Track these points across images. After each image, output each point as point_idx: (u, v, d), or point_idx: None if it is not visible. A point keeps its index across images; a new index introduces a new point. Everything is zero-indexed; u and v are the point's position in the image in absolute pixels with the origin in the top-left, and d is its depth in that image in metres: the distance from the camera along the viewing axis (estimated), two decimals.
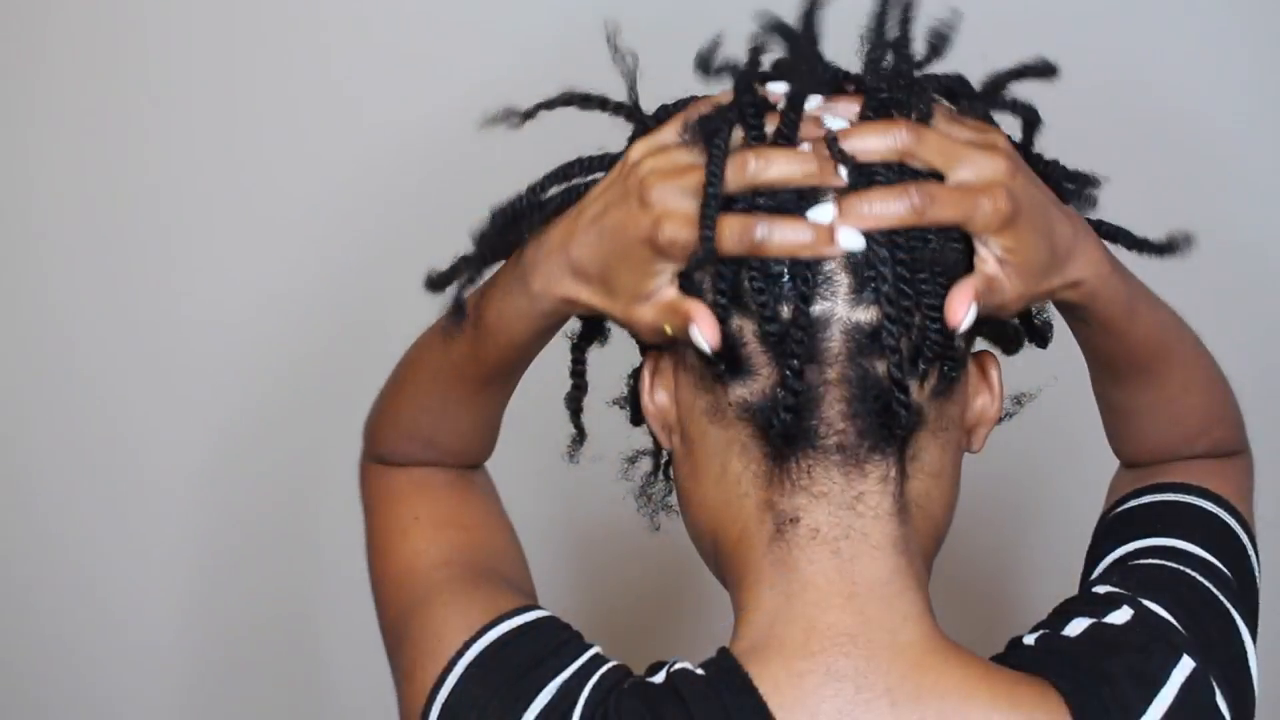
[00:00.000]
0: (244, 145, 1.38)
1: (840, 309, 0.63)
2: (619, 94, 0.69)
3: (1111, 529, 0.81)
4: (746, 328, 0.64)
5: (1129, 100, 1.29)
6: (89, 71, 1.38)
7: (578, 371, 0.78)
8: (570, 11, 1.12)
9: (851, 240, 0.62)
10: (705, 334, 0.63)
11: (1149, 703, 0.65)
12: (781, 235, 0.62)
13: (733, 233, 0.61)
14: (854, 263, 0.62)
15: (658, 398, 0.70)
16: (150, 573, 1.46)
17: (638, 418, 0.74)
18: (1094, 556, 0.80)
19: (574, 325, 0.76)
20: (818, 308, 0.63)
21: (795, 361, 0.62)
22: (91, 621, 1.47)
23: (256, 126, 1.38)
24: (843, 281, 0.63)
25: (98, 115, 1.39)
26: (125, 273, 1.41)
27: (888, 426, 0.64)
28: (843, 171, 0.62)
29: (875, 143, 0.63)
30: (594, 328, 0.77)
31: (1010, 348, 0.75)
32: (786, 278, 0.62)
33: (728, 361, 0.64)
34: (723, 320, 0.63)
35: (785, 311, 0.63)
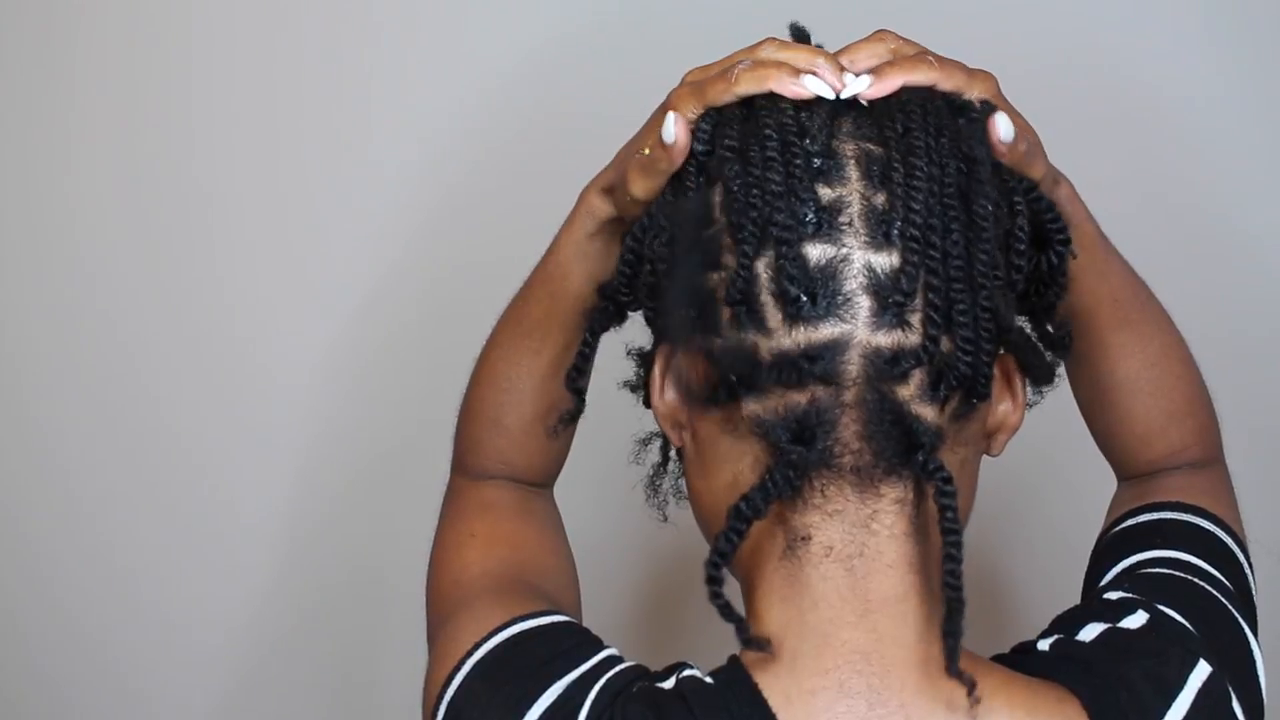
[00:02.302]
0: (314, 166, 1.38)
1: (860, 333, 0.61)
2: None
3: (1111, 547, 0.80)
4: (762, 345, 0.62)
5: (1110, 83, 1.29)
6: (133, 77, 1.37)
7: (584, 354, 0.76)
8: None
9: (819, 86, 0.63)
10: (673, 126, 0.64)
11: (1168, 708, 0.64)
12: (753, 73, 0.64)
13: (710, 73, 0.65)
14: (877, 286, 0.61)
15: (668, 395, 0.68)
16: (209, 588, 1.46)
17: (650, 399, 0.72)
18: (1094, 574, 0.79)
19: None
20: (837, 330, 0.61)
21: (814, 389, 0.61)
22: (144, 635, 1.47)
23: (326, 153, 1.37)
24: (864, 305, 0.61)
25: (177, 140, 1.38)
26: (185, 278, 1.40)
27: (905, 451, 0.62)
28: (849, 77, 0.64)
29: (871, 48, 0.66)
30: (609, 311, 0.75)
31: (1041, 375, 0.71)
32: (804, 299, 0.61)
33: (741, 377, 0.62)
34: (739, 336, 0.62)
35: (801, 332, 0.61)
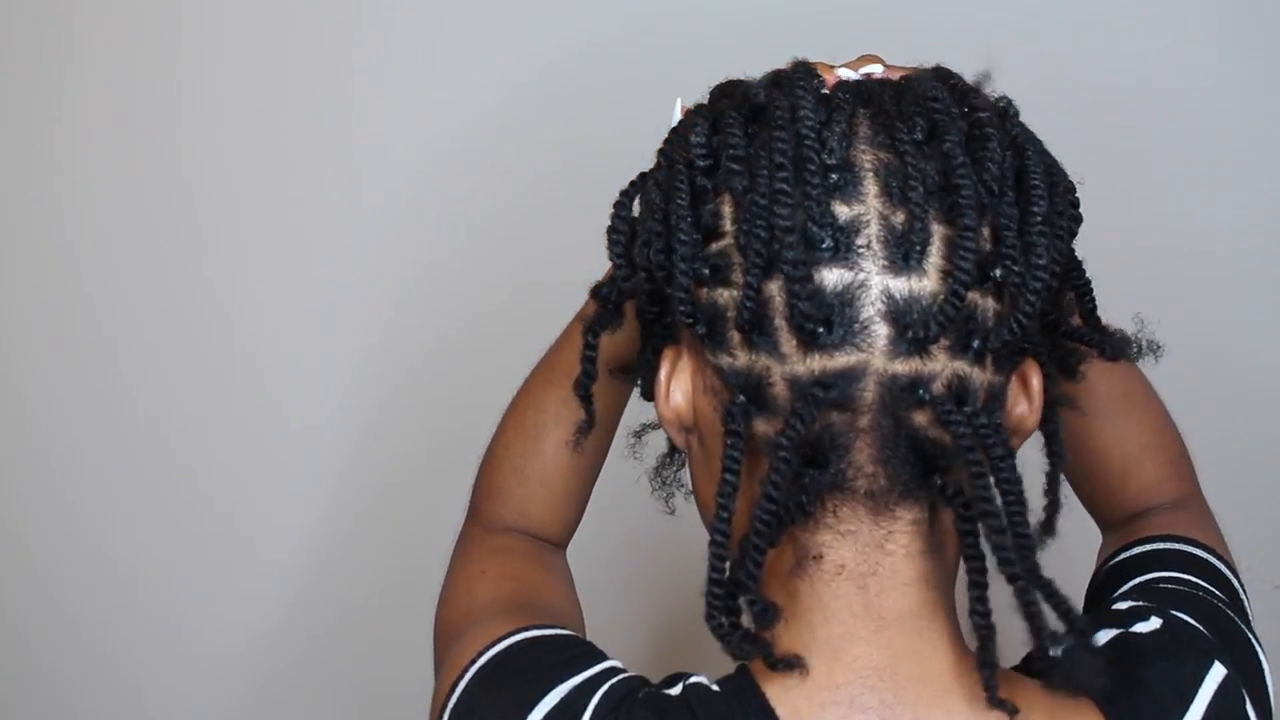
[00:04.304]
0: (311, 190, 1.37)
1: (877, 361, 0.59)
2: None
3: (1110, 578, 0.80)
4: (775, 369, 0.60)
5: (1114, 95, 1.27)
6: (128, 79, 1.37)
7: (588, 357, 0.74)
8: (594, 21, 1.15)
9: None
10: (677, 112, 0.66)
11: (1185, 709, 0.64)
12: None
13: None
14: (895, 313, 0.58)
15: (674, 399, 0.66)
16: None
17: (649, 392, 0.71)
18: (1094, 604, 0.79)
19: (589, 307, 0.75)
20: (853, 358, 0.59)
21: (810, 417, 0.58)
22: (158, 655, 1.46)
23: (328, 168, 1.36)
24: (881, 333, 0.58)
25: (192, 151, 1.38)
26: (195, 290, 1.40)
27: (922, 475, 0.60)
28: (845, 71, 0.64)
29: (866, 61, 0.66)
30: (607, 311, 0.72)
31: (1071, 370, 0.69)
32: (819, 329, 0.58)
33: (750, 396, 0.60)
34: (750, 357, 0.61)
35: (815, 360, 0.59)
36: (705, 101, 0.66)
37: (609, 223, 0.68)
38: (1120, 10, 1.25)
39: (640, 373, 0.73)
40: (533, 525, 0.86)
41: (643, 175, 0.68)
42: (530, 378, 0.87)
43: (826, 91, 0.62)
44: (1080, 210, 0.65)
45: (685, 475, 0.73)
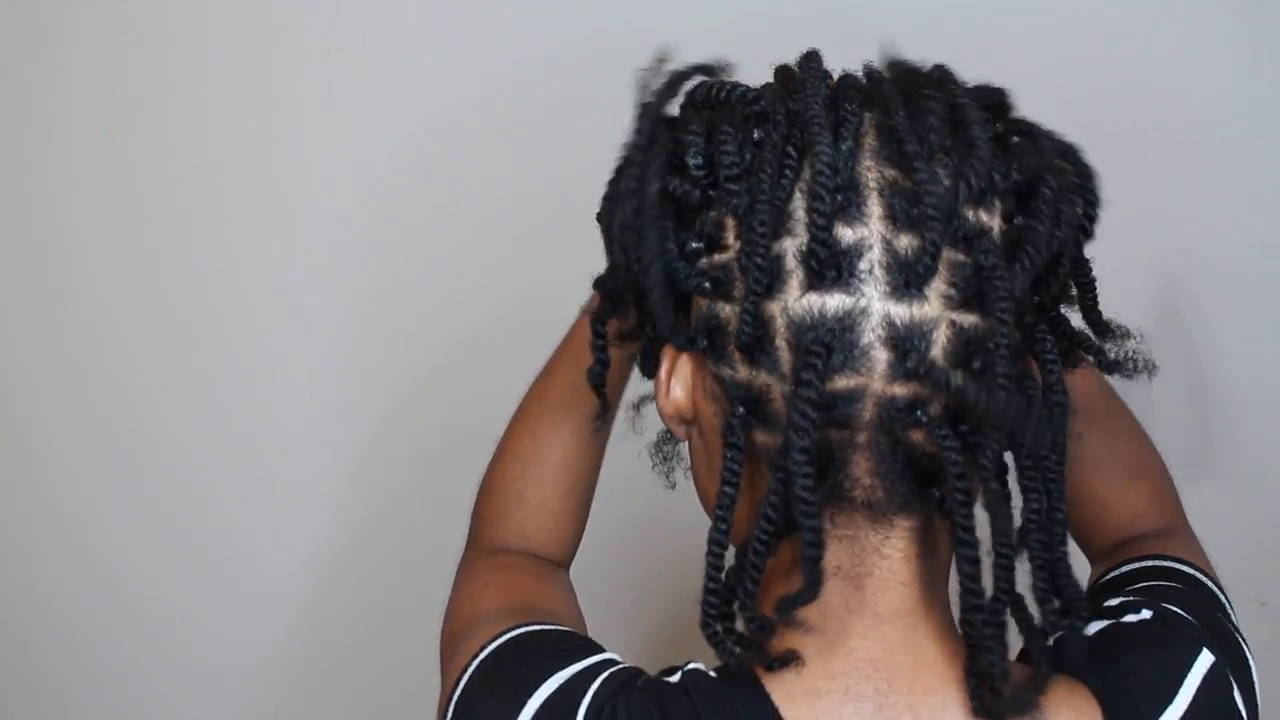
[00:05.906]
0: (311, 190, 1.35)
1: (876, 384, 0.58)
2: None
3: (1098, 595, 0.79)
4: (775, 387, 0.60)
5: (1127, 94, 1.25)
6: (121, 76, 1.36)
7: (598, 346, 0.74)
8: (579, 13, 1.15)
9: None
10: None
11: (1174, 695, 0.64)
12: None
13: None
14: (896, 339, 0.58)
15: (674, 394, 0.66)
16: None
17: (648, 369, 0.70)
18: None
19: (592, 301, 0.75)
20: (851, 382, 0.58)
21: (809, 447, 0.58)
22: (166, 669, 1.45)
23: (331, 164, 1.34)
24: (881, 357, 0.58)
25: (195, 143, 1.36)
26: (198, 296, 1.39)
27: (920, 488, 0.61)
28: None
29: None
30: (612, 303, 0.73)
31: (1072, 362, 0.68)
32: (819, 351, 0.58)
33: (750, 409, 0.61)
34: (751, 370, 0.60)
35: (813, 383, 0.57)
36: (690, 105, 0.65)
37: (600, 214, 0.68)
38: (1123, 15, 1.25)
39: (638, 345, 0.72)
40: (534, 546, 0.87)
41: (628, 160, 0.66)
42: (524, 403, 0.88)
43: (829, 85, 0.62)
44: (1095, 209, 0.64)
45: (684, 449, 0.73)
